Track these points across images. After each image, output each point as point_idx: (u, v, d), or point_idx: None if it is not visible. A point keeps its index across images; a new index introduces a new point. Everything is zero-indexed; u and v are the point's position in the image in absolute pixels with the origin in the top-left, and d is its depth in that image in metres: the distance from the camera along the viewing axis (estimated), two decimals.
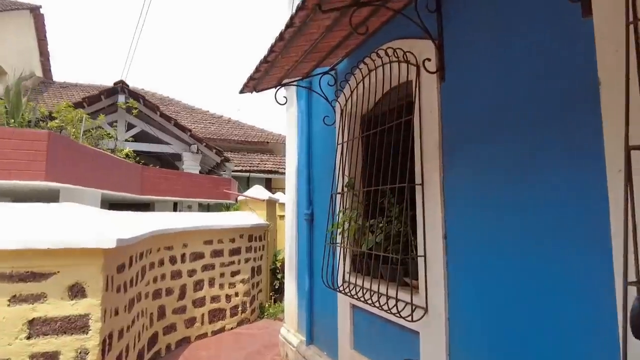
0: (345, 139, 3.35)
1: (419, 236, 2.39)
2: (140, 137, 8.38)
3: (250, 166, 11.39)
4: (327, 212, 3.58)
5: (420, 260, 2.36)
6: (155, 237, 4.50)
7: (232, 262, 6.18)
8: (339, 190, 3.31)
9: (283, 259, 8.76)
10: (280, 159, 13.01)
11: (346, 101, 3.38)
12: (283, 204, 10.38)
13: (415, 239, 2.45)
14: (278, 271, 8.22)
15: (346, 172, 3.31)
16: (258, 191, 7.89)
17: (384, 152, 2.72)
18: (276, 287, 8.08)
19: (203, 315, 5.55)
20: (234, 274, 6.19)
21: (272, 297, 7.86)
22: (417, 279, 2.43)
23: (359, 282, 2.92)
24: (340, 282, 3.21)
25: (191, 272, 5.36)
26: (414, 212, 2.47)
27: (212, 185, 6.66)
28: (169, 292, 4.93)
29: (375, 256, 2.72)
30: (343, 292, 3.03)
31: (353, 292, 2.83)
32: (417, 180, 2.41)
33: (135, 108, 6.99)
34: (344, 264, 3.30)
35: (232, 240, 6.20)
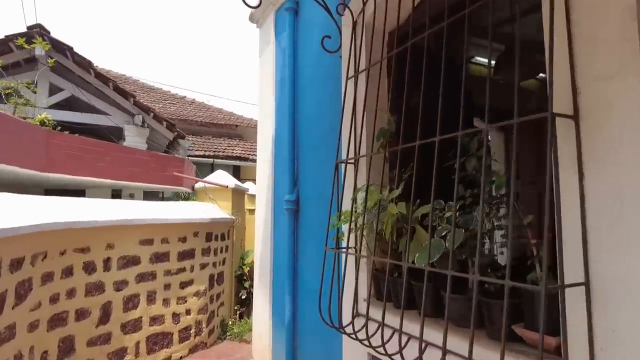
0: (363, 67, 2.00)
1: (569, 240, 1.06)
2: (70, 105, 6.69)
3: (215, 151, 9.84)
4: (325, 197, 2.27)
5: (574, 294, 1.03)
6: (53, 234, 3.00)
7: (182, 269, 4.70)
8: (351, 156, 1.97)
9: (252, 263, 7.34)
10: (251, 145, 11.51)
11: (363, 9, 2.03)
12: (253, 196, 8.91)
13: (551, 246, 1.10)
14: (245, 278, 6.77)
15: (363, 126, 1.97)
16: (222, 177, 6.42)
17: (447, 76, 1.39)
18: (242, 297, 6.63)
19: (138, 343, 4.05)
20: (184, 284, 4.72)
21: (238, 312, 6.40)
22: (550, 332, 1.12)
23: (392, 320, 1.59)
24: (348, 317, 1.88)
25: (120, 285, 3.85)
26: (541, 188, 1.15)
27: (158, 164, 5.11)
28: (82, 315, 3.42)
29: (434, 276, 1.40)
30: (356, 337, 1.69)
31: (377, 339, 1.50)
32: (561, 107, 1.08)
33: (52, 58, 5.32)
34: (364, 286, 1.97)
35: (183, 240, 4.72)
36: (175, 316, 4.56)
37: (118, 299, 3.83)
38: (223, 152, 9.98)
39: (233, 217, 6.17)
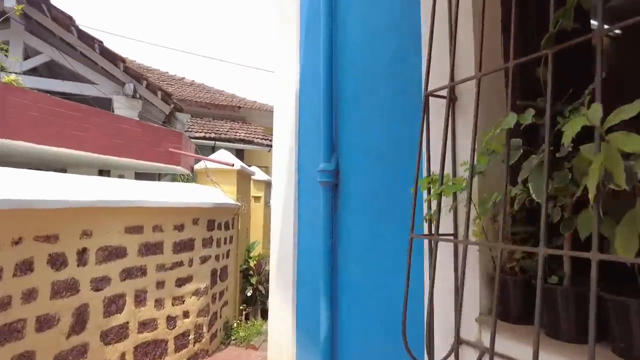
0: None
1: None
2: (49, 72, 5.86)
3: (216, 133, 9.02)
4: (387, 160, 1.50)
5: None
6: (1, 216, 2.22)
7: (179, 264, 3.93)
8: (440, 85, 1.18)
9: (259, 256, 6.56)
10: (255, 128, 10.68)
11: None
12: (259, 182, 8.11)
13: None
14: (252, 273, 6.00)
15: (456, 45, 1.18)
16: (225, 157, 5.62)
17: None
18: (248, 295, 5.87)
19: (123, 355, 3.29)
20: (181, 282, 3.95)
21: (244, 312, 5.65)
22: None
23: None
24: (444, 345, 1.11)
25: (99, 283, 3.07)
26: None
27: (151, 138, 4.25)
28: (47, 323, 2.64)
29: None
30: None
31: None
32: None
33: (29, 17, 4.44)
34: (475, 295, 1.16)
35: (180, 228, 3.94)
36: (171, 320, 3.80)
37: (97, 301, 3.05)
38: (225, 134, 9.16)
39: (239, 203, 5.38)
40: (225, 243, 5.05)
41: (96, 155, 3.74)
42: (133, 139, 4.04)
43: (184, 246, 4.00)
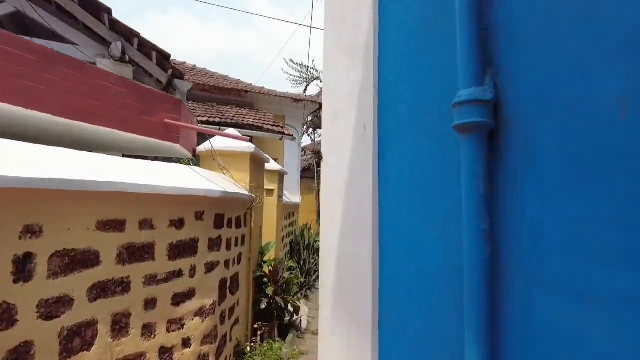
0: None
1: None
2: (16, 27, 4.78)
3: (221, 118, 7.94)
4: None
5: None
6: None
7: (178, 273, 2.88)
8: None
9: (274, 261, 5.49)
10: (264, 114, 9.62)
11: None
12: (272, 173, 7.04)
13: None
14: (266, 281, 4.95)
15: None
16: (234, 139, 4.57)
17: None
18: (262, 307, 4.82)
19: None
20: (180, 298, 2.90)
21: (258, 331, 4.58)
22: None
23: None
24: None
25: (54, 306, 2.02)
26: None
27: (138, 102, 3.14)
28: None
29: None
30: None
31: None
32: None
33: None
34: None
35: (178, 224, 2.89)
36: (166, 353, 2.74)
37: (49, 335, 2.00)
38: (232, 119, 8.10)
39: (252, 195, 4.33)
40: (236, 244, 3.99)
41: (58, 119, 2.67)
42: (115, 102, 2.96)
43: (184, 249, 2.95)
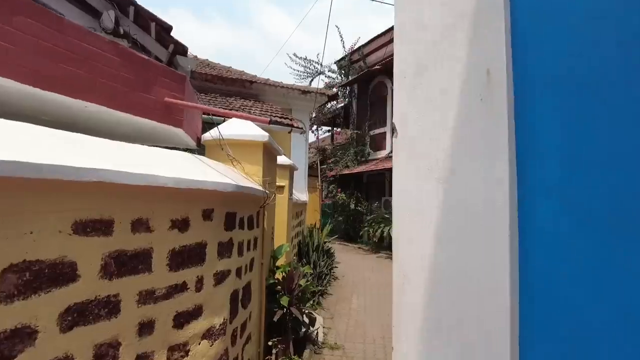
0: None
1: None
2: None
3: (226, 109, 7.37)
4: None
5: None
6: None
7: (181, 287, 2.30)
8: None
9: (288, 267, 4.90)
10: (271, 107, 9.03)
11: None
12: (283, 168, 6.44)
13: None
14: (279, 290, 4.36)
15: None
16: (244, 126, 3.99)
17: None
18: (276, 320, 4.23)
19: None
20: (184, 318, 2.31)
21: (273, 348, 3.99)
22: None
23: None
24: None
25: (8, 343, 1.43)
26: None
27: (134, 74, 2.55)
28: None
29: None
30: None
31: None
32: None
33: None
34: None
35: (182, 225, 2.31)
36: None
37: None
38: (237, 110, 7.51)
39: (266, 191, 3.75)
40: (248, 249, 3.41)
41: (23, 87, 2.07)
42: (103, 72, 2.37)
43: (189, 257, 2.36)
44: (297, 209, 8.44)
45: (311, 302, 6.12)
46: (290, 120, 8.26)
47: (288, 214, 6.13)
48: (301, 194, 9.40)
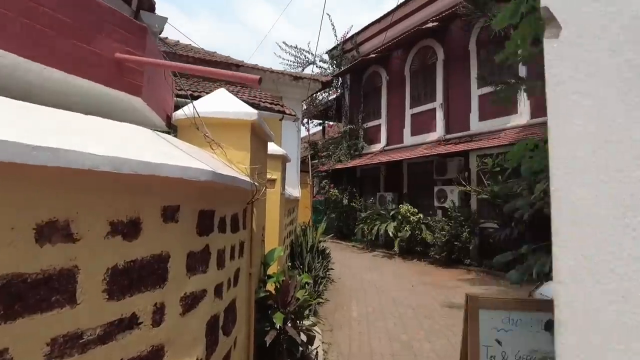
0: None
1: None
2: None
3: (209, 92, 6.61)
4: None
5: None
6: None
7: (129, 322, 1.54)
8: None
9: (282, 275, 4.12)
10: (259, 92, 8.25)
11: None
12: (274, 158, 5.68)
13: None
14: (272, 305, 3.63)
15: None
16: (227, 102, 3.26)
17: None
18: (267, 342, 3.48)
19: None
20: None
21: None
22: None
23: None
24: None
25: None
26: None
27: (71, 18, 1.88)
28: None
29: None
30: None
31: None
32: None
33: None
34: None
35: (128, 230, 1.55)
36: None
37: None
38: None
39: (255, 183, 3.01)
40: (232, 257, 2.67)
41: None
42: (27, 12, 1.63)
43: (141, 276, 1.62)
44: (290, 206, 7.71)
45: (307, 310, 5.40)
46: (282, 107, 7.49)
47: (280, 212, 5.39)
48: (293, 189, 8.66)
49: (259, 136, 3.46)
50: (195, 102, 3.03)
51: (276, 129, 8.02)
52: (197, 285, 1.99)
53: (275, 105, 7.28)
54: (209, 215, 2.19)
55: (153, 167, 1.53)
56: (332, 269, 8.58)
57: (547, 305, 2.31)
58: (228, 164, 2.85)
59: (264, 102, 7.12)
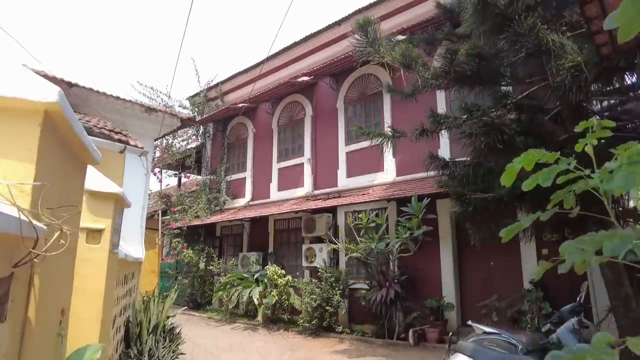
0: None
1: None
2: None
3: None
4: None
5: None
6: None
7: None
8: None
9: None
10: (97, 119, 6.35)
11: None
12: (102, 198, 3.92)
13: None
14: None
15: None
16: None
17: None
18: None
19: None
20: None
21: None
22: None
23: None
24: None
25: None
26: None
27: None
28: None
29: None
30: None
31: None
32: None
33: None
34: None
35: None
36: None
37: None
38: None
39: (39, 224, 1.48)
40: None
41: None
42: None
43: None
44: (127, 271, 5.75)
45: None
46: (125, 135, 5.77)
47: (108, 281, 3.62)
48: (135, 248, 6.68)
49: (63, 141, 1.97)
50: None
51: (117, 165, 6.14)
52: None
53: (116, 133, 5.56)
54: None
55: None
56: (182, 353, 6.63)
57: None
58: None
59: (99, 128, 5.34)
